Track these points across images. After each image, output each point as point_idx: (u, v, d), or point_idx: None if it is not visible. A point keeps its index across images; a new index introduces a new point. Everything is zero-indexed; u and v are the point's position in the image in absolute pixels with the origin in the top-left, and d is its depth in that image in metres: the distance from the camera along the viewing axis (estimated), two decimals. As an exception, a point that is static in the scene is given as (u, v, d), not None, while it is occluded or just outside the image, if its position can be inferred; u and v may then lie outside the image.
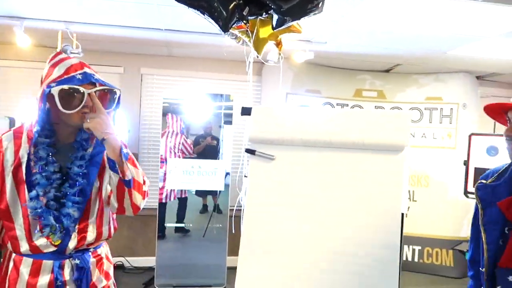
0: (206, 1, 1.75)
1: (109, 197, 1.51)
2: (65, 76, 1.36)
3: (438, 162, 4.61)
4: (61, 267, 1.42)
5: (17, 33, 3.15)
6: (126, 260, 4.36)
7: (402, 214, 1.64)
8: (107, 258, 1.60)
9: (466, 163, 3.80)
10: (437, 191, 4.58)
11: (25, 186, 1.38)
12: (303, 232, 1.69)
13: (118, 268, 4.14)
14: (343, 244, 1.65)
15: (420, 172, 4.65)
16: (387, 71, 4.68)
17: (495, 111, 1.35)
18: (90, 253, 1.50)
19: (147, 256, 4.30)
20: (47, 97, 1.35)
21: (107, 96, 1.47)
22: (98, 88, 1.40)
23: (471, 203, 3.83)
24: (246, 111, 1.85)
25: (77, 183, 1.43)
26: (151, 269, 4.02)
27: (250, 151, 1.80)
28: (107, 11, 2.92)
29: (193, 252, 3.84)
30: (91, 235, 1.48)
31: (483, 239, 1.39)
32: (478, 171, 3.71)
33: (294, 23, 1.99)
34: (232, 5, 1.77)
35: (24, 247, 1.39)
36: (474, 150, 3.75)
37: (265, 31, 2.12)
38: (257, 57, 2.24)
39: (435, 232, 4.56)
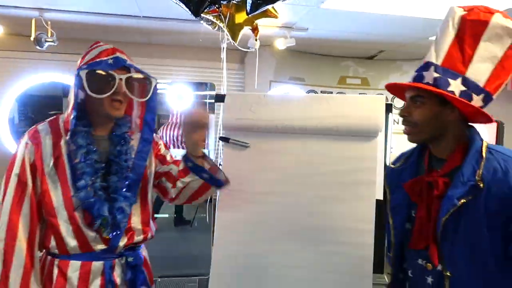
0: (176, -15, 1.70)
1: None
2: (96, 60, 1.27)
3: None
4: (112, 268, 1.32)
5: (-12, 21, 3.04)
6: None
7: (377, 200, 1.63)
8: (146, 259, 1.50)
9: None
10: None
11: (68, 178, 1.28)
12: (277, 220, 1.67)
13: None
14: (318, 232, 1.63)
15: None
16: (371, 57, 4.67)
17: (396, 90, 1.33)
18: (141, 250, 1.41)
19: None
20: (80, 83, 1.26)
21: (142, 85, 1.36)
22: (133, 74, 1.30)
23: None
24: (220, 98, 1.81)
25: (127, 177, 1.35)
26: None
27: (224, 139, 1.76)
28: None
29: (173, 243, 3.81)
30: (139, 233, 1.39)
31: (390, 224, 1.39)
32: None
33: (269, 7, 1.95)
34: (203, -11, 1.72)
35: (72, 243, 1.27)
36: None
37: (240, 17, 2.07)
38: (233, 43, 2.19)
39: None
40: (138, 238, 1.38)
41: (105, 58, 1.27)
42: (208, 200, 3.41)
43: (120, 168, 1.34)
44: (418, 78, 1.21)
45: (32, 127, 1.33)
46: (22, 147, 1.28)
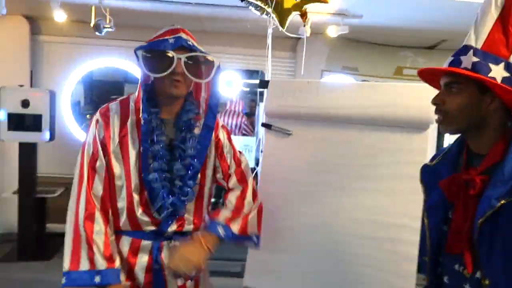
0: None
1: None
2: (158, 39, 1.30)
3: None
4: (160, 250, 1.35)
5: (53, 8, 3.24)
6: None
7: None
8: None
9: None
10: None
11: (131, 157, 1.32)
12: (317, 211, 1.64)
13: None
14: (359, 225, 1.57)
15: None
16: (432, 47, 4.39)
17: (430, 78, 1.19)
18: (189, 237, 1.37)
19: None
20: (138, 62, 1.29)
21: (204, 66, 1.36)
22: (192, 54, 1.28)
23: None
24: (263, 84, 1.79)
25: (192, 165, 1.35)
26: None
27: (267, 126, 1.75)
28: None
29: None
30: (189, 223, 1.40)
31: (426, 225, 1.24)
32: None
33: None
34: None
35: (125, 221, 1.33)
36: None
37: (289, 2, 2.02)
38: (281, 30, 2.14)
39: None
40: (188, 227, 1.39)
41: (167, 37, 1.28)
42: None
43: (185, 155, 1.34)
44: (455, 62, 1.07)
45: (105, 105, 1.38)
46: (93, 124, 1.34)
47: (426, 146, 1.52)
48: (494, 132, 1.07)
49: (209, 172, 1.45)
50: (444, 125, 1.11)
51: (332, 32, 3.40)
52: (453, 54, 1.10)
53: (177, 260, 1.25)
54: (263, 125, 1.76)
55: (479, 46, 1.06)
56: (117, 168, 1.32)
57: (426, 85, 1.57)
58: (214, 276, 3.43)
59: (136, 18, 3.89)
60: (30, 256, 3.70)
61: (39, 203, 3.86)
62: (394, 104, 1.54)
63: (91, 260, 1.25)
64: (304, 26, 2.24)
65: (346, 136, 1.62)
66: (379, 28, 3.74)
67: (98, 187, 1.31)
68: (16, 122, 3.56)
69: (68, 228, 1.30)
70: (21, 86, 3.67)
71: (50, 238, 3.96)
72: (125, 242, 1.35)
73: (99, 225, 1.28)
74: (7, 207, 4.06)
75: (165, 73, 1.25)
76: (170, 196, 1.31)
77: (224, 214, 1.39)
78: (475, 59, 1.03)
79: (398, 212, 1.52)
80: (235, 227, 1.36)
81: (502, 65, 1.02)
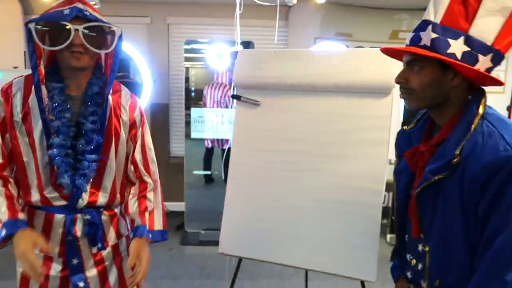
0: None
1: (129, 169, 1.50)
2: (51, 11, 1.27)
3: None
4: (73, 222, 1.38)
5: (39, -13, 3.24)
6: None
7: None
8: (122, 215, 1.53)
9: (509, 108, 3.47)
10: None
11: (36, 133, 1.32)
12: (285, 176, 1.67)
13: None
14: (325, 190, 1.61)
15: None
16: (428, 9, 4.27)
17: (394, 54, 1.18)
18: (102, 210, 1.44)
19: (180, 202, 4.52)
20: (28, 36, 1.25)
21: (107, 37, 1.33)
22: (89, 24, 1.25)
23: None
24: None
25: (93, 140, 1.35)
26: (182, 213, 4.24)
27: (236, 97, 1.77)
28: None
29: (219, 198, 3.98)
30: (102, 198, 1.43)
31: (394, 188, 1.26)
32: (522, 117, 3.39)
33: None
34: None
35: (35, 197, 1.36)
36: (519, 94, 3.40)
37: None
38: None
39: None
40: (101, 200, 1.42)
41: (61, 9, 1.25)
42: (223, 157, 3.46)
43: (88, 130, 1.35)
44: (415, 39, 1.05)
45: (8, 82, 1.35)
46: None
47: (389, 111, 1.53)
48: (454, 106, 1.06)
49: (121, 148, 1.44)
50: (409, 102, 1.10)
51: (321, -3, 3.32)
52: (414, 29, 1.08)
53: (133, 260, 1.38)
54: (233, 96, 1.78)
55: (438, 20, 1.02)
56: (22, 145, 1.33)
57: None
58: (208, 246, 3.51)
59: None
60: None
61: None
62: (358, 70, 1.55)
63: None
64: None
65: (312, 103, 1.63)
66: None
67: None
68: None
69: None
70: (15, 67, 3.73)
71: None
72: (39, 216, 1.38)
73: None
74: None
75: (63, 46, 1.23)
76: (68, 172, 1.32)
77: (140, 219, 1.47)
78: (434, 35, 1.00)
79: (363, 177, 1.55)
80: (158, 226, 1.48)
81: (461, 39, 0.99)
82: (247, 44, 3.70)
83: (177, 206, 4.53)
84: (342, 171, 1.58)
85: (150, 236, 1.44)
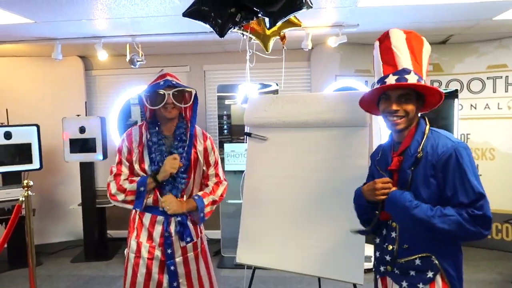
0: (204, 13, 2.15)
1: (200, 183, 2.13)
2: (152, 83, 1.98)
3: (504, 134, 4.35)
4: (169, 223, 1.98)
5: (97, 49, 3.93)
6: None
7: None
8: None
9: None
10: (504, 163, 4.34)
11: (146, 161, 1.99)
12: (290, 197, 2.04)
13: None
14: (320, 207, 1.95)
15: (484, 145, 4.45)
16: (444, 42, 4.52)
17: (367, 104, 1.69)
18: (187, 215, 2.03)
19: (217, 230, 4.91)
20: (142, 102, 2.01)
21: (187, 95, 2.02)
22: (175, 89, 1.94)
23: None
24: (245, 100, 2.23)
25: (183, 164, 1.98)
26: (219, 240, 4.62)
27: (247, 134, 2.19)
28: (163, 24, 3.50)
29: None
30: None
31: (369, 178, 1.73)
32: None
33: (288, 18, 2.27)
34: (226, 14, 2.13)
35: (148, 200, 1.98)
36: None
37: (268, 29, 2.44)
38: (266, 53, 2.57)
39: (503, 207, 4.34)
40: None
41: (159, 81, 1.95)
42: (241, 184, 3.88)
43: (179, 155, 1.98)
44: (402, 79, 1.53)
45: (129, 129, 2.08)
46: (122, 140, 2.06)
47: (367, 140, 1.87)
48: (411, 126, 1.58)
49: (199, 169, 2.06)
50: (401, 124, 1.56)
51: (332, 42, 3.72)
52: (396, 73, 1.54)
53: (164, 197, 1.97)
54: (245, 133, 2.20)
55: (412, 69, 1.53)
56: (137, 167, 1.99)
57: (363, 92, 1.92)
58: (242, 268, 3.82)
59: (163, 48, 4.51)
60: (95, 257, 4.42)
61: (99, 212, 4.57)
62: (340, 109, 1.91)
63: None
64: (283, 47, 2.63)
65: (307, 137, 2.01)
66: (381, 32, 3.98)
67: (125, 171, 2.03)
68: (76, 145, 4.31)
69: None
70: (78, 115, 4.43)
71: (110, 242, 4.67)
72: (147, 217, 1.99)
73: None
74: (75, 218, 4.84)
75: (161, 105, 1.93)
76: (168, 185, 1.96)
77: (202, 192, 2.06)
78: (416, 76, 1.52)
79: (348, 194, 1.87)
80: (206, 201, 2.02)
81: (423, 82, 1.53)
82: (276, 84, 4.15)
83: (215, 234, 4.92)
84: (332, 190, 1.92)
85: (196, 198, 2.02)
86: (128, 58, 3.91)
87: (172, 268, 1.95)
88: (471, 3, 3.08)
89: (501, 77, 4.38)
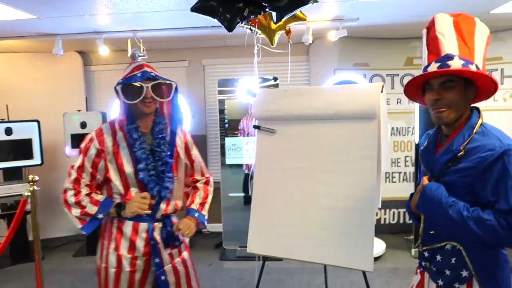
0: (212, 8, 2.18)
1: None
2: (129, 75, 1.78)
3: (499, 125, 4.42)
4: (153, 229, 1.83)
5: (98, 44, 3.93)
6: (204, 226, 5.07)
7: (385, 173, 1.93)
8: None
9: (519, 124, 3.68)
10: (500, 155, 4.43)
11: (125, 162, 1.79)
12: (299, 188, 2.08)
13: (197, 232, 4.86)
14: (329, 198, 2.00)
15: (480, 137, 4.53)
16: (441, 35, 4.58)
17: (411, 87, 1.55)
18: (175, 217, 1.93)
19: (218, 223, 4.96)
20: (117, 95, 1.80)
21: (167, 88, 1.87)
22: (155, 82, 1.78)
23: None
24: (252, 95, 2.26)
25: (168, 162, 1.85)
26: (221, 233, 4.67)
27: (257, 127, 2.22)
28: (165, 19, 3.51)
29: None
30: (172, 207, 1.91)
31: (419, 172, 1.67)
32: (533, 132, 3.59)
33: (295, 13, 2.30)
34: (234, 8, 2.16)
35: None
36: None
37: (274, 24, 2.47)
38: (272, 46, 2.61)
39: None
40: (170, 209, 1.91)
41: (136, 72, 1.77)
42: (250, 176, 4.06)
43: (164, 155, 1.85)
44: (444, 66, 1.39)
45: (98, 127, 1.88)
46: (89, 138, 1.84)
47: (376, 133, 1.92)
48: (462, 118, 1.45)
49: (181, 167, 1.96)
50: (446, 115, 1.42)
51: (332, 36, 3.76)
52: (438, 60, 1.42)
53: (181, 224, 1.86)
54: (254, 127, 2.23)
55: (457, 53, 1.40)
56: (112, 173, 1.80)
57: (372, 84, 1.98)
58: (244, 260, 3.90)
59: (164, 43, 4.52)
60: (96, 251, 4.44)
61: (101, 207, 4.59)
62: (349, 101, 1.96)
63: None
64: (289, 41, 2.67)
65: (315, 129, 2.05)
66: (379, 26, 4.04)
67: (86, 177, 1.83)
68: (77, 141, 4.31)
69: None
70: (79, 111, 4.43)
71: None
72: (128, 226, 1.81)
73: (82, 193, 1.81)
74: (76, 212, 4.85)
75: (139, 99, 1.76)
76: (156, 186, 1.82)
77: (197, 201, 1.99)
78: (461, 61, 1.38)
79: (357, 186, 1.93)
80: (205, 212, 1.99)
81: (474, 66, 1.39)
82: (274, 79, 4.19)
83: (216, 227, 4.97)
84: (340, 181, 1.97)
85: (197, 215, 1.96)
86: (129, 53, 3.92)
87: (162, 278, 1.83)
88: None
89: (497, 69, 4.46)
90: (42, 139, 4.35)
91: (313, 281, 3.59)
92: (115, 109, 4.96)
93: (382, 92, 1.92)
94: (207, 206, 2.03)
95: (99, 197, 1.82)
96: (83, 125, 4.30)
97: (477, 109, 1.47)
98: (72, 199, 1.80)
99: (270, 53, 4.82)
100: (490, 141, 1.34)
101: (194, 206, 1.99)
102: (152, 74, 1.80)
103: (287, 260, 3.66)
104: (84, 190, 1.82)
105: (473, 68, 1.38)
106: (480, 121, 1.41)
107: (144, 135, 1.86)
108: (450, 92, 1.40)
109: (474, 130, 1.39)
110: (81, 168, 1.83)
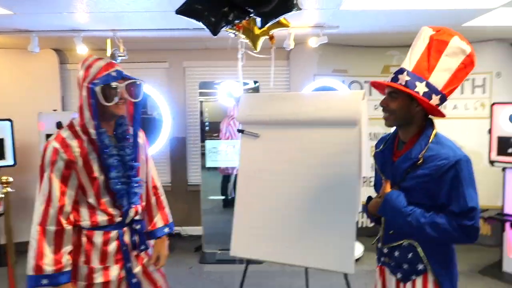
0: (198, 11, 2.18)
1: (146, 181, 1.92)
2: (102, 74, 1.60)
3: (470, 133, 4.62)
4: (123, 234, 1.74)
5: (76, 43, 3.85)
6: (182, 229, 5.03)
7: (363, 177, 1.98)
8: None
9: (489, 132, 3.84)
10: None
11: (95, 170, 1.65)
12: (282, 191, 2.11)
13: (176, 235, 4.83)
14: (312, 201, 2.04)
15: (452, 143, 4.70)
16: (416, 45, 4.73)
17: (378, 87, 1.68)
18: (138, 220, 1.82)
19: (198, 226, 4.93)
20: (94, 95, 1.60)
21: (135, 88, 1.73)
22: (129, 81, 1.67)
23: (498, 171, 3.89)
24: (236, 99, 2.28)
25: (135, 166, 1.74)
26: (200, 237, 4.64)
27: (240, 131, 2.24)
28: (147, 19, 3.48)
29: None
30: (140, 208, 1.84)
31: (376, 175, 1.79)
32: (502, 140, 3.76)
33: (278, 19, 2.34)
34: (219, 13, 2.18)
35: (102, 218, 1.69)
36: (498, 119, 3.78)
37: (257, 29, 2.50)
38: (254, 52, 2.63)
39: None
40: (140, 211, 1.84)
41: (109, 72, 1.62)
42: (233, 179, 4.07)
43: (130, 159, 1.75)
44: (394, 79, 1.58)
45: (56, 135, 1.67)
46: (54, 152, 1.62)
47: (357, 139, 1.97)
48: (415, 127, 1.60)
49: (143, 168, 1.87)
50: (388, 121, 1.62)
51: (313, 42, 3.82)
52: (394, 72, 1.60)
53: (162, 260, 1.87)
54: (238, 130, 2.25)
55: (410, 69, 1.56)
56: (84, 180, 1.66)
57: (353, 92, 2.03)
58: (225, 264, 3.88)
59: (144, 44, 4.47)
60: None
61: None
62: (331, 107, 2.01)
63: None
64: (272, 46, 2.70)
65: (298, 134, 2.09)
66: (358, 35, 4.14)
67: (68, 207, 1.64)
68: (53, 141, 4.20)
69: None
70: (55, 110, 4.32)
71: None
72: (98, 235, 1.69)
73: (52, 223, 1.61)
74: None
75: (115, 101, 1.62)
76: (125, 195, 1.73)
77: (160, 218, 1.96)
78: (407, 78, 1.53)
79: (339, 188, 1.97)
80: (170, 216, 1.96)
81: (424, 83, 1.53)
82: (254, 83, 4.22)
83: (195, 230, 4.95)
84: (323, 185, 2.01)
85: (167, 229, 1.94)
86: (109, 52, 3.86)
87: (134, 280, 1.78)
88: (443, 10, 3.27)
89: (468, 79, 4.64)
90: (15, 139, 4.21)
91: (294, 283, 3.62)
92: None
93: (363, 99, 1.97)
94: (167, 209, 1.99)
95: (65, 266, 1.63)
96: (59, 125, 4.19)
97: (432, 121, 1.61)
98: (49, 255, 1.60)
99: (251, 57, 4.84)
100: (444, 151, 1.50)
101: (160, 223, 1.95)
102: (124, 73, 1.69)
103: (267, 263, 3.69)
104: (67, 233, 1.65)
105: (420, 85, 1.51)
106: (434, 131, 1.56)
107: (109, 139, 1.73)
108: (393, 102, 1.57)
109: (430, 140, 1.54)
110: (62, 193, 1.64)
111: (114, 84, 1.63)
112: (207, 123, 4.41)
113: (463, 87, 4.66)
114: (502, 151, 3.75)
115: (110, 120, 1.73)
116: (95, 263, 1.68)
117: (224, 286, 3.63)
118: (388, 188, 1.60)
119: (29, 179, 4.74)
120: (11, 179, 3.16)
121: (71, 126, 1.69)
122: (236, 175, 4.17)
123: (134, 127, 1.80)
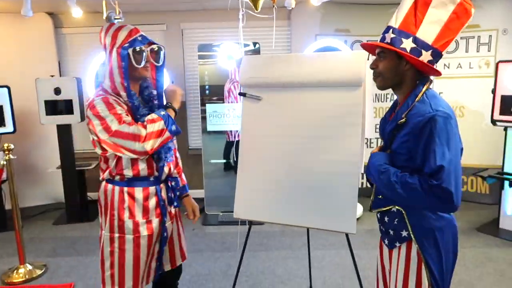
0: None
1: None
2: (131, 39, 1.72)
3: (474, 92, 4.57)
4: (160, 190, 1.88)
5: (71, 5, 3.72)
6: (185, 193, 5.09)
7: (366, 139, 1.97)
8: None
9: (493, 91, 3.80)
10: (472, 120, 4.59)
11: None
12: (285, 154, 2.10)
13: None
14: (315, 164, 2.03)
15: (454, 103, 4.66)
16: (420, 2, 4.58)
17: (370, 49, 1.61)
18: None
19: (200, 189, 4.99)
20: (127, 59, 1.71)
21: (158, 53, 1.84)
22: (154, 46, 1.80)
23: (500, 131, 3.88)
24: (238, 62, 2.23)
25: None
26: (202, 199, 4.71)
27: (242, 94, 2.21)
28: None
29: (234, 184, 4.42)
30: (172, 166, 1.97)
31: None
32: (505, 99, 3.72)
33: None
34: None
35: (142, 167, 1.81)
36: (502, 78, 3.73)
37: (258, -13, 2.40)
38: (256, 11, 2.55)
39: (468, 161, 4.64)
40: (172, 169, 1.98)
41: (135, 37, 1.74)
42: (235, 143, 4.12)
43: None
44: (382, 39, 1.51)
45: (101, 96, 1.74)
46: (107, 99, 1.73)
47: (361, 100, 1.94)
48: (407, 86, 1.52)
49: None
50: (378, 83, 1.56)
51: (315, 1, 3.70)
52: (382, 32, 1.52)
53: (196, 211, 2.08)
54: (240, 93, 2.22)
55: (396, 25, 1.47)
56: None
57: (357, 52, 1.98)
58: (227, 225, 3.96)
59: (141, 6, 4.33)
60: (77, 219, 4.42)
61: (79, 175, 4.53)
62: (335, 68, 1.96)
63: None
64: (274, 6, 2.61)
65: (301, 97, 2.06)
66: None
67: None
68: (52, 107, 4.17)
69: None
70: (52, 76, 4.25)
71: (91, 204, 4.66)
72: (138, 192, 1.83)
73: None
74: (53, 181, 4.77)
75: (144, 63, 1.76)
76: (161, 149, 1.84)
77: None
78: (392, 35, 1.45)
79: (342, 151, 1.97)
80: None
81: (411, 39, 1.44)
82: (253, 45, 4.12)
83: (198, 193, 5.00)
84: (326, 147, 2.00)
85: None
86: (104, 15, 3.74)
87: (165, 234, 1.91)
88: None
89: (474, 37, 4.53)
90: (14, 106, 4.17)
91: (295, 243, 3.71)
92: (90, 75, 4.78)
93: (368, 60, 1.93)
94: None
95: (154, 117, 1.76)
96: (57, 91, 4.14)
97: (425, 80, 1.50)
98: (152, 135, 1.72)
99: (251, 17, 4.73)
100: (424, 108, 1.40)
101: (184, 180, 2.11)
102: (149, 38, 1.81)
103: (268, 223, 3.77)
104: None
105: (406, 41, 1.43)
106: (423, 89, 1.46)
107: (139, 100, 1.84)
108: (381, 62, 1.50)
109: (417, 99, 1.45)
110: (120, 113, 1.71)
111: (141, 47, 1.74)
112: (207, 87, 4.35)
113: (468, 44, 4.56)
114: (505, 110, 3.73)
115: (136, 82, 1.84)
116: (139, 217, 1.83)
117: (226, 246, 3.72)
118: (375, 150, 1.58)
119: (31, 145, 4.77)
120: (12, 146, 3.16)
121: (105, 91, 1.79)
122: (237, 139, 4.24)
123: (158, 89, 1.93)
